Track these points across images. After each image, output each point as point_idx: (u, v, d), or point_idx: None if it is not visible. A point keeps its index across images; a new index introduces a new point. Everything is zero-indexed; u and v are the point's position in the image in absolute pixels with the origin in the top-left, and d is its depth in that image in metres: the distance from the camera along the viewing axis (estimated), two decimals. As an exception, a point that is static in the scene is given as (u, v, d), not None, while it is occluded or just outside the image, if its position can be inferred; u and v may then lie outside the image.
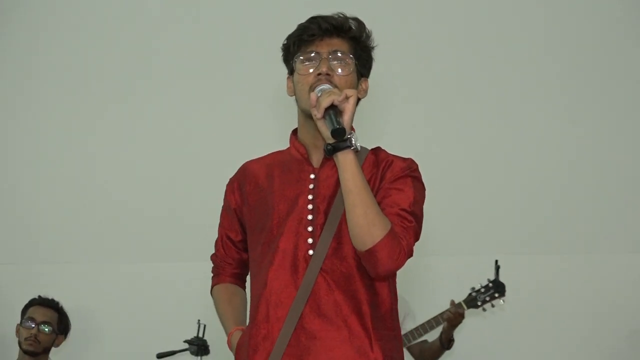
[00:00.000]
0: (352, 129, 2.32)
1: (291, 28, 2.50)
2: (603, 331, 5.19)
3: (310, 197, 2.40)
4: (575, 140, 5.37)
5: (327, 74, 2.36)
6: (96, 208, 5.53)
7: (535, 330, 5.22)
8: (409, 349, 4.53)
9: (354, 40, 2.43)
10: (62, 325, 4.76)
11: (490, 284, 4.39)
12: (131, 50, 5.58)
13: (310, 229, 2.37)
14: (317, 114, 2.28)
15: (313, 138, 2.44)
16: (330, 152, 2.27)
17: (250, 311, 2.44)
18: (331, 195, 2.40)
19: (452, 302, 4.37)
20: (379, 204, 2.33)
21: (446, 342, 4.40)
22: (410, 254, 2.34)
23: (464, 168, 5.38)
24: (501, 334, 5.22)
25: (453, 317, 4.34)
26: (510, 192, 5.35)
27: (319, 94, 2.30)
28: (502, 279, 4.63)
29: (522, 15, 5.50)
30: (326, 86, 2.33)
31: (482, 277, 4.75)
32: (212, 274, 2.70)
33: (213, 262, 2.69)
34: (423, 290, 4.70)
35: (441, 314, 4.40)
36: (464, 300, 4.39)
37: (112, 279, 5.42)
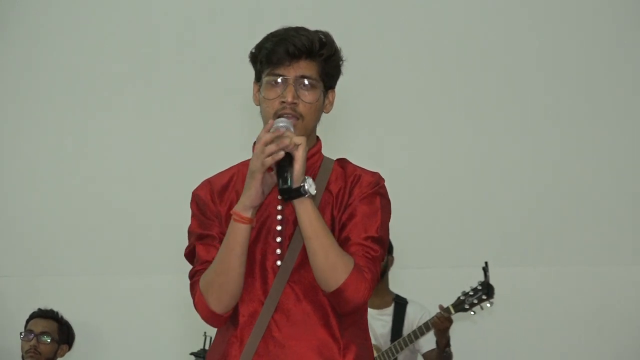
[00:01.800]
0: (317, 144, 2.39)
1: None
2: (599, 343, 5.20)
3: (279, 207, 2.40)
4: (571, 151, 5.37)
5: (293, 103, 2.35)
6: (99, 221, 5.53)
7: (530, 343, 5.25)
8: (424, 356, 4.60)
9: (322, 60, 2.39)
10: (63, 334, 4.77)
11: (479, 287, 4.40)
12: (125, 56, 5.60)
13: (278, 239, 2.37)
14: (257, 166, 2.26)
15: None
16: (286, 200, 2.29)
17: None
18: None
19: (440, 307, 4.39)
20: (346, 225, 2.35)
21: (442, 346, 4.44)
22: (376, 282, 2.36)
23: (457, 180, 5.39)
24: (495, 347, 5.25)
25: (439, 322, 4.36)
26: (504, 204, 5.36)
27: (268, 138, 2.25)
28: (496, 291, 4.65)
29: (510, 20, 5.51)
30: (284, 122, 2.30)
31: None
32: (191, 284, 2.47)
33: (192, 273, 2.48)
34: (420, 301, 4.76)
35: (428, 320, 4.43)
36: (452, 304, 4.41)
37: (117, 291, 5.43)
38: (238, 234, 2.32)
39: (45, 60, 5.67)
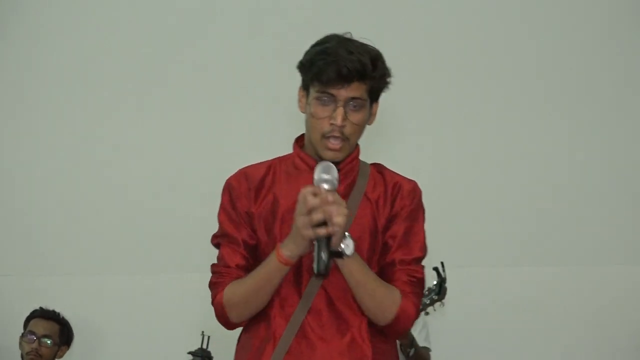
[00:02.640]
0: (355, 149, 2.44)
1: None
2: (597, 343, 5.22)
3: None
4: (570, 152, 5.41)
5: (341, 126, 2.36)
6: (99, 220, 5.54)
7: (527, 342, 5.26)
8: None
9: (372, 80, 2.41)
10: (64, 336, 4.79)
11: (433, 287, 4.41)
12: (126, 56, 5.60)
13: (314, 241, 2.36)
14: (301, 232, 2.29)
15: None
16: (325, 275, 2.29)
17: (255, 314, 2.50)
18: None
19: None
20: (390, 246, 2.42)
21: (404, 346, 4.43)
22: (420, 303, 2.46)
23: (455, 180, 5.42)
24: (494, 346, 5.27)
25: None
26: (503, 205, 5.39)
27: (310, 195, 2.26)
28: (498, 291, 4.77)
29: (521, 18, 5.52)
30: (328, 183, 2.29)
31: (474, 289, 4.98)
32: (213, 282, 2.59)
33: (214, 271, 2.59)
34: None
35: None
36: None
37: (114, 290, 5.42)
38: (277, 273, 2.38)
39: (48, 60, 5.66)
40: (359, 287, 2.38)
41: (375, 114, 2.49)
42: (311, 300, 2.41)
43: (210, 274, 2.63)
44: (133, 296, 5.39)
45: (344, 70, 2.33)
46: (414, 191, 2.50)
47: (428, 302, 4.41)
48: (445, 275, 4.38)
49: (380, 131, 5.25)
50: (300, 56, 2.49)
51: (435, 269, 4.33)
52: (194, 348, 4.80)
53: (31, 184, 5.60)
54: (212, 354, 4.82)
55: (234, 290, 2.45)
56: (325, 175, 2.32)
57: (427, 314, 4.48)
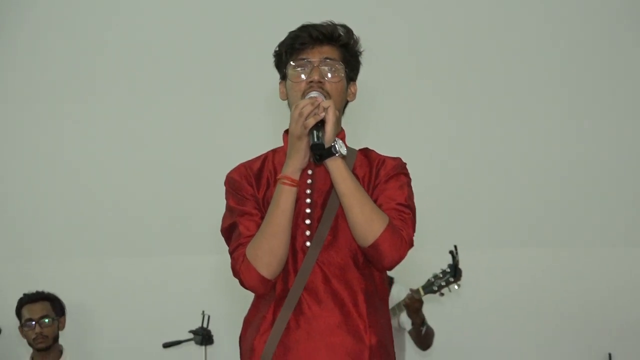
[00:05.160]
0: (341, 133, 2.46)
1: (288, 29, 2.58)
2: (597, 323, 5.27)
3: (308, 191, 2.48)
4: (569, 136, 5.42)
5: (319, 82, 2.44)
6: (99, 203, 5.54)
7: (528, 323, 5.32)
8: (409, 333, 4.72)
9: (343, 47, 2.49)
10: (57, 309, 4.81)
11: (448, 270, 4.50)
12: (123, 50, 5.61)
13: (308, 221, 2.45)
14: (294, 128, 2.37)
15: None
16: (318, 160, 2.38)
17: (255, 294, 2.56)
18: (327, 190, 2.48)
19: (411, 289, 4.52)
20: (376, 200, 2.43)
21: (417, 325, 4.56)
22: (411, 244, 2.43)
23: (457, 163, 5.42)
24: (493, 326, 5.33)
25: (410, 303, 4.49)
26: (503, 188, 5.40)
27: (303, 106, 2.36)
28: (500, 273, 4.84)
29: (522, 14, 5.52)
30: (315, 93, 2.41)
31: (476, 270, 4.93)
32: (235, 256, 2.51)
33: (236, 246, 2.51)
34: (419, 282, 4.75)
35: (400, 301, 4.56)
36: (422, 286, 4.52)
37: (118, 272, 5.49)
38: (288, 197, 2.39)
39: (50, 53, 5.64)
40: (349, 196, 2.38)
41: (354, 94, 2.54)
42: (307, 278, 2.43)
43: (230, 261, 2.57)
44: (136, 278, 5.46)
45: (314, 32, 2.44)
46: (398, 163, 2.55)
47: (444, 283, 4.50)
48: (458, 258, 4.47)
49: (385, 116, 5.29)
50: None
51: (450, 252, 4.42)
52: (195, 327, 4.94)
53: (30, 170, 5.59)
54: (212, 333, 4.89)
55: (253, 242, 2.44)
56: (312, 93, 2.41)
57: (442, 294, 4.54)
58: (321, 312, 2.42)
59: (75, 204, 5.59)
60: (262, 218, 2.45)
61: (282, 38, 2.51)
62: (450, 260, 4.48)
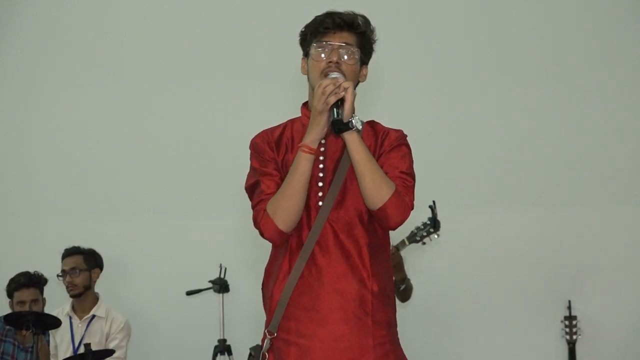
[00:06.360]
0: (353, 111, 2.58)
1: (305, 13, 2.82)
2: (558, 273, 5.44)
3: (321, 157, 2.65)
4: (570, 103, 5.56)
5: (337, 63, 2.61)
6: (131, 169, 5.73)
7: (500, 273, 5.50)
8: None
9: (360, 34, 2.66)
10: (89, 262, 5.07)
11: (428, 222, 4.67)
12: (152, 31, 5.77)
13: (320, 184, 2.63)
14: (315, 106, 2.56)
15: None
16: (337, 133, 2.56)
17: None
18: (338, 158, 2.65)
19: (393, 246, 4.57)
20: (382, 168, 2.59)
21: (398, 282, 4.67)
22: (412, 207, 2.61)
23: (460, 129, 5.58)
24: (467, 277, 5.51)
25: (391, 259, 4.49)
26: (507, 152, 5.58)
27: (326, 85, 2.53)
28: (475, 230, 5.14)
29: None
30: (335, 74, 2.58)
31: (497, 230, 5.32)
32: (257, 209, 2.66)
33: (257, 201, 2.66)
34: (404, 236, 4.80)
35: None
36: (407, 237, 4.69)
37: (148, 230, 5.66)
38: (306, 163, 2.57)
39: (70, 36, 5.80)
40: (362, 165, 2.53)
41: (365, 76, 2.71)
42: (319, 232, 2.59)
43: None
44: (162, 235, 5.65)
45: (337, 19, 2.63)
46: (400, 135, 2.70)
47: (425, 234, 4.68)
48: (437, 211, 4.67)
49: (388, 88, 5.38)
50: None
51: (430, 206, 4.61)
52: (213, 277, 5.22)
53: (77, 138, 5.80)
54: (229, 282, 5.18)
55: (273, 199, 2.60)
56: (333, 74, 2.59)
57: (424, 243, 4.72)
58: (330, 262, 2.59)
59: (115, 171, 5.75)
60: (281, 179, 2.64)
61: (300, 18, 2.76)
62: (429, 214, 4.67)
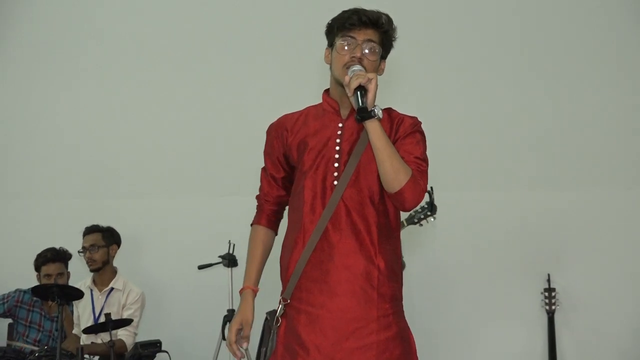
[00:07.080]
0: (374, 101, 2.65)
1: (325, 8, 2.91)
2: (539, 249, 5.57)
3: (338, 140, 2.75)
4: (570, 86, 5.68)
5: (359, 58, 2.70)
6: (146, 151, 5.85)
7: (486, 250, 5.63)
8: None
9: (383, 32, 2.75)
10: (107, 239, 5.18)
11: (426, 206, 4.81)
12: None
13: (336, 164, 2.72)
14: (349, 92, 2.64)
15: (341, 97, 2.77)
16: (360, 121, 2.63)
17: (293, 218, 2.80)
18: (354, 140, 2.74)
19: None
20: (398, 152, 2.66)
21: None
22: (425, 191, 2.68)
23: (465, 117, 5.69)
24: (457, 254, 5.66)
25: None
26: (509, 138, 5.67)
27: (351, 75, 2.64)
28: (466, 210, 5.32)
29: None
30: (357, 67, 2.67)
31: (485, 211, 5.39)
32: (256, 210, 2.91)
33: (257, 200, 2.90)
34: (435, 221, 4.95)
35: None
36: (405, 219, 4.80)
37: (163, 210, 5.82)
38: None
39: (82, 23, 5.92)
40: (382, 151, 2.59)
41: (383, 69, 2.80)
42: (333, 210, 2.67)
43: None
44: (176, 215, 5.80)
45: (363, 17, 2.72)
46: (414, 121, 2.77)
47: (422, 216, 4.81)
48: (434, 196, 4.79)
49: (398, 78, 5.43)
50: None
51: (427, 191, 4.55)
52: (223, 253, 5.33)
53: (96, 121, 5.91)
54: (237, 257, 5.24)
55: (250, 237, 2.87)
56: (356, 67, 2.68)
57: (421, 225, 4.84)
58: (341, 239, 2.68)
59: (132, 156, 5.86)
60: (284, 174, 2.81)
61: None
62: (427, 198, 4.81)
